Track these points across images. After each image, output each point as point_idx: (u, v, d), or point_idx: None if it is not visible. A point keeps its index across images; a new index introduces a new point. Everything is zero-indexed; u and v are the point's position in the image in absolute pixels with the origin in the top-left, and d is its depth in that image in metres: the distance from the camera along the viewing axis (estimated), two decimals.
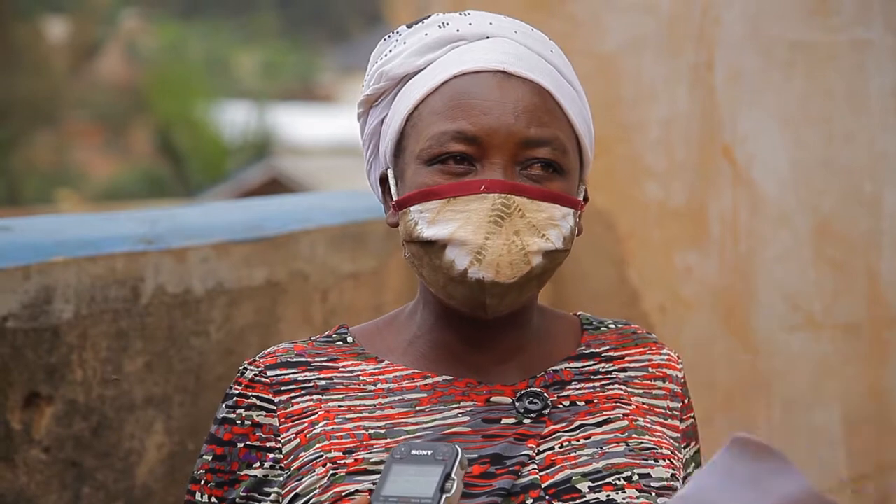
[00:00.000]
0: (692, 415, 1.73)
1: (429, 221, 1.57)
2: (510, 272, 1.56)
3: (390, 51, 1.67)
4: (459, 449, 1.41)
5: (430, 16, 1.68)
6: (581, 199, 1.64)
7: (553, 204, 1.57)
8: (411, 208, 1.58)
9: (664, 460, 1.63)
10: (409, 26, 1.68)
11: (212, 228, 2.70)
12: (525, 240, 1.56)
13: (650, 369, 1.70)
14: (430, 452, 1.40)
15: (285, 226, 2.84)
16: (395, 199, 1.62)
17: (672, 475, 1.62)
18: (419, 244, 1.58)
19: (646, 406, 1.67)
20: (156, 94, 25.86)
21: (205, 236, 2.65)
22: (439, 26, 1.65)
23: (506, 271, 1.55)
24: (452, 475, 1.39)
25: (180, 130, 25.56)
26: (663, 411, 1.68)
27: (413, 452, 1.41)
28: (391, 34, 1.69)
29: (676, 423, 1.69)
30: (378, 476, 1.50)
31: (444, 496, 1.38)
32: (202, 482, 1.62)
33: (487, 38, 1.64)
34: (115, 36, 29.57)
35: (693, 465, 1.72)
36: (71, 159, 25.80)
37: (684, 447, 1.70)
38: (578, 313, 1.76)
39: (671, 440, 1.66)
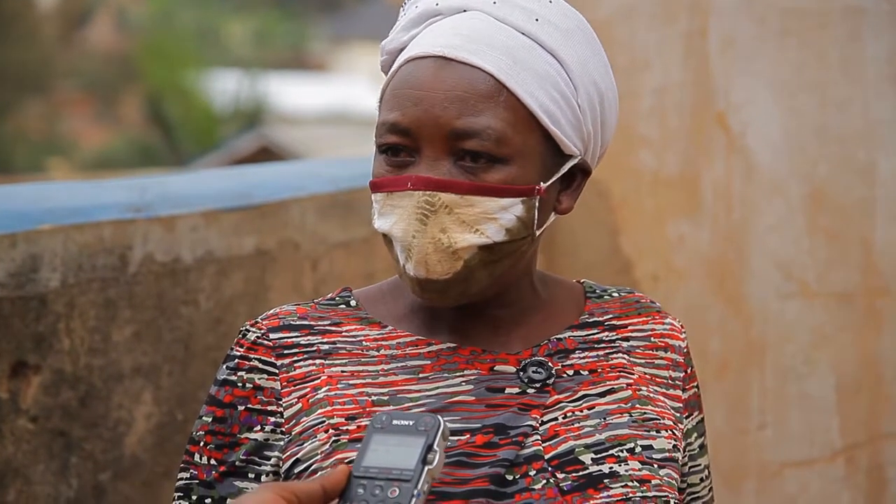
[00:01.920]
0: (695, 384, 1.71)
1: (378, 213, 1.58)
2: (441, 269, 1.54)
3: (398, 20, 1.64)
4: (442, 420, 1.38)
5: None
6: (550, 181, 1.58)
7: (487, 197, 1.53)
8: (372, 195, 1.59)
9: (666, 431, 1.62)
10: None
11: (201, 196, 2.68)
12: (453, 237, 1.53)
13: (652, 339, 1.68)
14: (411, 422, 1.38)
15: (275, 194, 2.83)
16: None
17: (674, 446, 1.61)
18: (381, 233, 1.60)
19: (648, 376, 1.65)
20: (146, 63, 25.80)
21: (194, 204, 2.63)
22: None
23: (436, 268, 1.54)
24: (435, 446, 1.36)
25: (171, 99, 25.51)
26: (665, 381, 1.66)
27: (394, 422, 1.38)
28: (406, 1, 1.66)
29: (679, 392, 1.67)
30: None
31: (425, 468, 1.35)
32: (201, 443, 1.61)
33: (464, 11, 1.60)
34: (105, 4, 29.46)
35: (696, 434, 1.71)
36: (61, 128, 25.76)
37: (686, 417, 1.68)
38: (582, 280, 1.73)
39: (673, 410, 1.65)
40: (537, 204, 1.56)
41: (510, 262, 1.58)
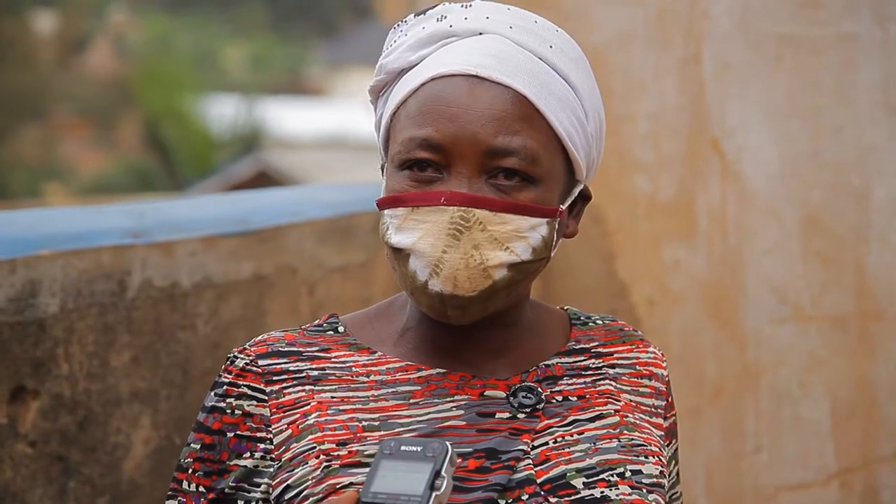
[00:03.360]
0: (674, 413, 1.73)
1: (396, 228, 1.56)
2: (469, 286, 1.54)
3: (395, 41, 1.65)
4: (449, 446, 1.39)
5: (436, 6, 1.66)
6: (567, 204, 1.61)
7: (519, 216, 1.55)
8: (385, 212, 1.58)
9: (653, 457, 1.63)
10: (416, 15, 1.66)
11: (199, 222, 2.69)
12: (485, 254, 1.54)
13: (637, 367, 1.69)
14: (419, 449, 1.39)
15: (273, 219, 2.84)
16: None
17: (661, 472, 1.63)
18: (390, 249, 1.58)
19: (633, 403, 1.67)
20: (144, 88, 25.83)
21: (192, 230, 2.64)
22: (437, 19, 1.63)
23: (464, 285, 1.54)
24: (442, 473, 1.37)
25: (168, 124, 25.52)
26: (649, 409, 1.68)
27: (402, 448, 1.40)
28: (400, 23, 1.67)
29: (661, 420, 1.69)
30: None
31: (433, 494, 1.36)
32: (189, 471, 1.61)
33: (480, 34, 1.61)
34: (102, 29, 29.53)
35: (674, 462, 1.73)
36: (58, 153, 25.76)
37: (667, 445, 1.70)
38: (566, 308, 1.75)
39: (657, 437, 1.66)
40: (557, 225, 1.59)
41: (527, 283, 1.60)
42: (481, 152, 1.54)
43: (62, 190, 22.19)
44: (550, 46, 1.62)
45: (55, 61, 26.71)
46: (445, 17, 1.63)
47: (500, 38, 1.61)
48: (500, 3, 1.66)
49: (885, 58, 2.95)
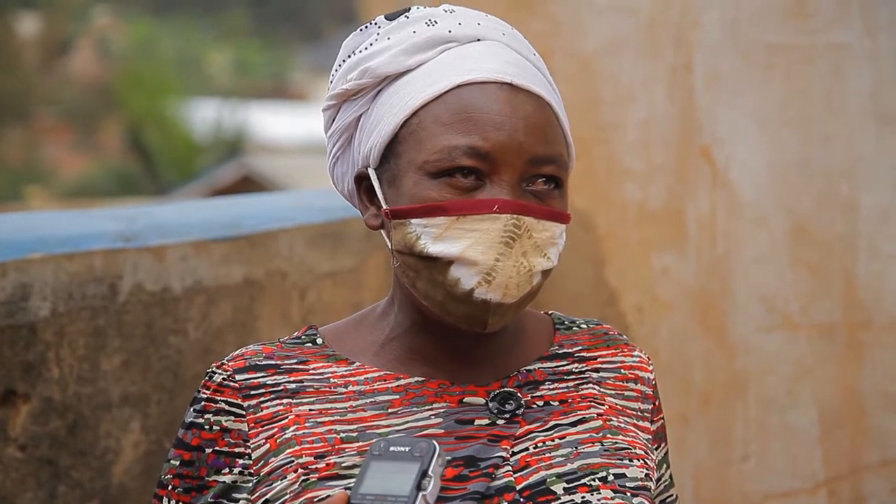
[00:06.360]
0: (662, 416, 1.72)
1: (434, 237, 1.53)
2: (516, 293, 1.54)
3: (370, 44, 1.61)
4: (437, 445, 1.39)
5: (409, 8, 1.63)
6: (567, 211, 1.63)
7: (554, 222, 1.56)
8: (412, 220, 1.54)
9: (638, 460, 1.62)
10: (388, 18, 1.62)
11: (190, 226, 2.69)
12: (531, 261, 1.54)
13: (622, 371, 1.69)
14: (407, 449, 1.39)
15: (264, 224, 2.84)
16: (385, 205, 1.58)
17: (646, 475, 1.62)
18: (419, 258, 1.55)
19: (619, 407, 1.66)
20: (127, 92, 25.79)
21: (183, 234, 2.64)
22: (427, 24, 1.60)
23: (512, 292, 1.54)
24: (429, 472, 1.38)
25: (151, 128, 25.49)
26: (635, 413, 1.67)
27: (391, 449, 1.40)
28: (368, 25, 1.64)
29: (647, 424, 1.68)
30: (351, 480, 1.49)
31: (420, 494, 1.37)
32: (169, 487, 1.60)
33: (478, 40, 1.60)
34: (86, 33, 29.47)
35: (665, 465, 1.72)
36: (41, 156, 25.70)
37: (656, 448, 1.70)
38: (550, 312, 1.74)
39: (644, 441, 1.66)
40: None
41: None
42: (525, 161, 1.54)
43: (44, 193, 22.14)
44: (534, 54, 1.63)
45: (38, 64, 26.65)
46: (436, 22, 1.60)
47: (500, 45, 1.60)
48: (476, 10, 1.65)
49: (875, 67, 2.96)
